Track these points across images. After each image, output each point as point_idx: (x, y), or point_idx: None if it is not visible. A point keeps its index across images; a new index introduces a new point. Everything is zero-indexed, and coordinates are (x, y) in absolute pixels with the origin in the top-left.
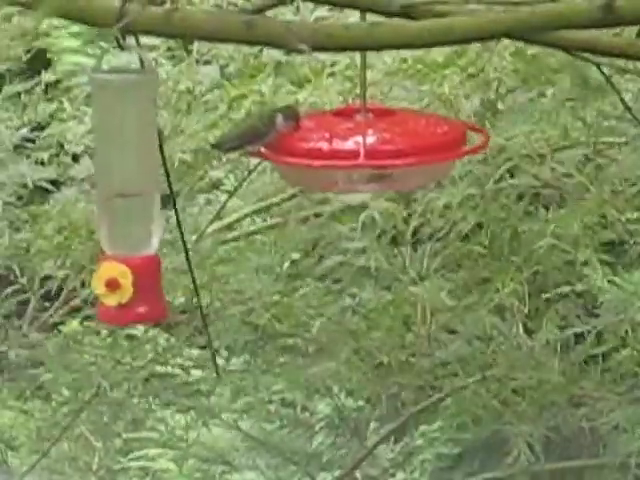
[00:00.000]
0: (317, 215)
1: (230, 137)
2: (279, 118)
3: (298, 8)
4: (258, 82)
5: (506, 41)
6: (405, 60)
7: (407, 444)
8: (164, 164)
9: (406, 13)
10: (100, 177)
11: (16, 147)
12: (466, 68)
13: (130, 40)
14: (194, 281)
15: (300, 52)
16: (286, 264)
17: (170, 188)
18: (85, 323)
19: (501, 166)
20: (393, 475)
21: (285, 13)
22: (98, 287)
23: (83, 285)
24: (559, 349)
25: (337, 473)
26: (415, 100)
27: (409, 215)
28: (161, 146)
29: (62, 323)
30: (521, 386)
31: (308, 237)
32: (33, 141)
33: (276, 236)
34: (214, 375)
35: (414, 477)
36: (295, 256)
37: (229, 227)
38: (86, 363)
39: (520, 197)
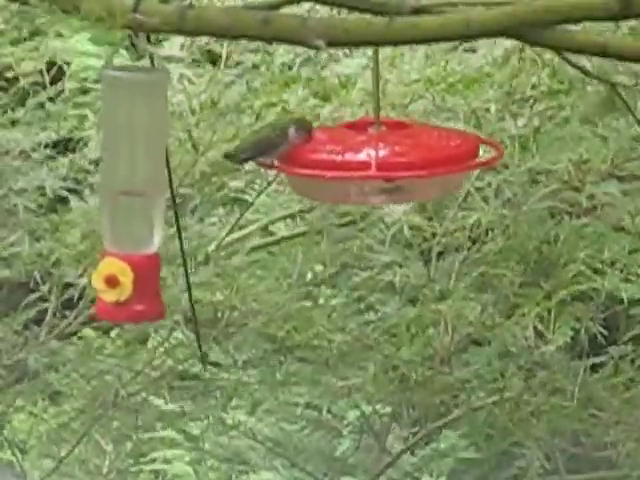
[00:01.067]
0: (342, 225)
1: (243, 148)
2: (292, 130)
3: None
4: (288, 93)
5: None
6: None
7: (431, 448)
8: (168, 169)
9: (417, 16)
10: (105, 174)
11: (38, 155)
12: (501, 85)
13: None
14: (189, 286)
15: (316, 48)
16: (309, 275)
17: (172, 194)
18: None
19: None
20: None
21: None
22: (97, 283)
23: None
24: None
25: (359, 477)
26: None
27: (441, 229)
28: (166, 155)
29: (77, 332)
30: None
31: (332, 250)
32: (54, 148)
33: (299, 247)
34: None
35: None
36: (318, 267)
37: (248, 237)
38: (103, 368)
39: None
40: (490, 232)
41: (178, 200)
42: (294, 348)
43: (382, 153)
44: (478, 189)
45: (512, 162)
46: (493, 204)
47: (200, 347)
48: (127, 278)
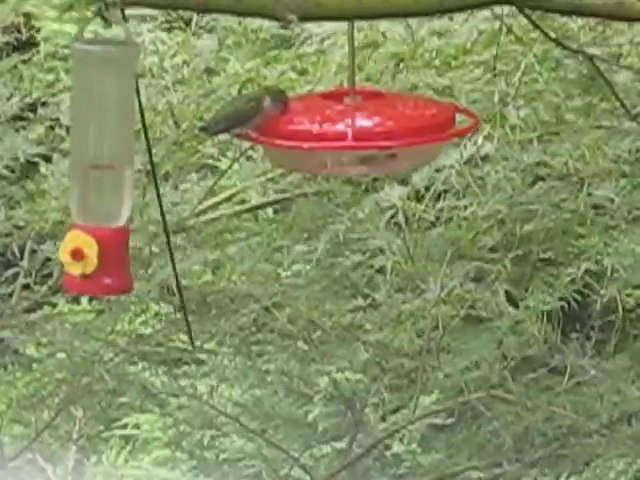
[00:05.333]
0: (316, 194)
1: (217, 120)
2: (266, 100)
3: None
4: (268, 68)
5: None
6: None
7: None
8: (147, 141)
9: None
10: (75, 147)
11: (12, 119)
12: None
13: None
14: (172, 259)
15: (288, 22)
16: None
17: (152, 165)
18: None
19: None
20: (388, 447)
21: None
22: (63, 256)
23: None
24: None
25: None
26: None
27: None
28: (144, 122)
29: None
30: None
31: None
32: (33, 111)
33: (280, 220)
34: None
35: (409, 448)
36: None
37: (224, 203)
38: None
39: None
40: (484, 223)
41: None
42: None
43: (359, 123)
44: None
45: (509, 153)
46: (490, 197)
47: (187, 321)
48: (92, 251)
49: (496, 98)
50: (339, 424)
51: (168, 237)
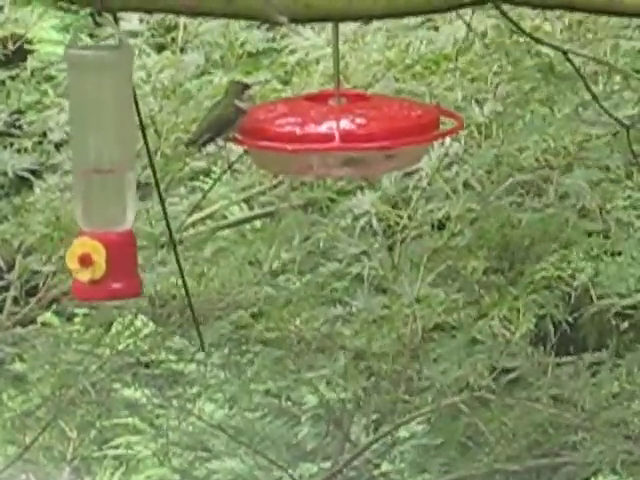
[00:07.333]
0: (303, 206)
1: (201, 131)
2: (238, 100)
3: None
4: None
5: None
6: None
7: (391, 434)
8: (148, 153)
9: None
10: (76, 153)
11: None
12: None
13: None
14: (180, 267)
15: (279, 24)
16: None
17: (155, 176)
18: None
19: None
20: (377, 466)
21: None
22: (71, 263)
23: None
24: None
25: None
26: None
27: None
28: (144, 135)
29: (37, 319)
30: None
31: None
32: (17, 127)
33: (264, 230)
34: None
35: (398, 468)
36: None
37: (211, 218)
38: (67, 355)
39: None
40: (458, 223)
41: (144, 180)
42: (259, 338)
43: (344, 125)
44: (446, 180)
45: (477, 152)
46: (461, 197)
47: (198, 329)
48: (100, 256)
49: (459, 96)
50: (322, 433)
51: (175, 245)
